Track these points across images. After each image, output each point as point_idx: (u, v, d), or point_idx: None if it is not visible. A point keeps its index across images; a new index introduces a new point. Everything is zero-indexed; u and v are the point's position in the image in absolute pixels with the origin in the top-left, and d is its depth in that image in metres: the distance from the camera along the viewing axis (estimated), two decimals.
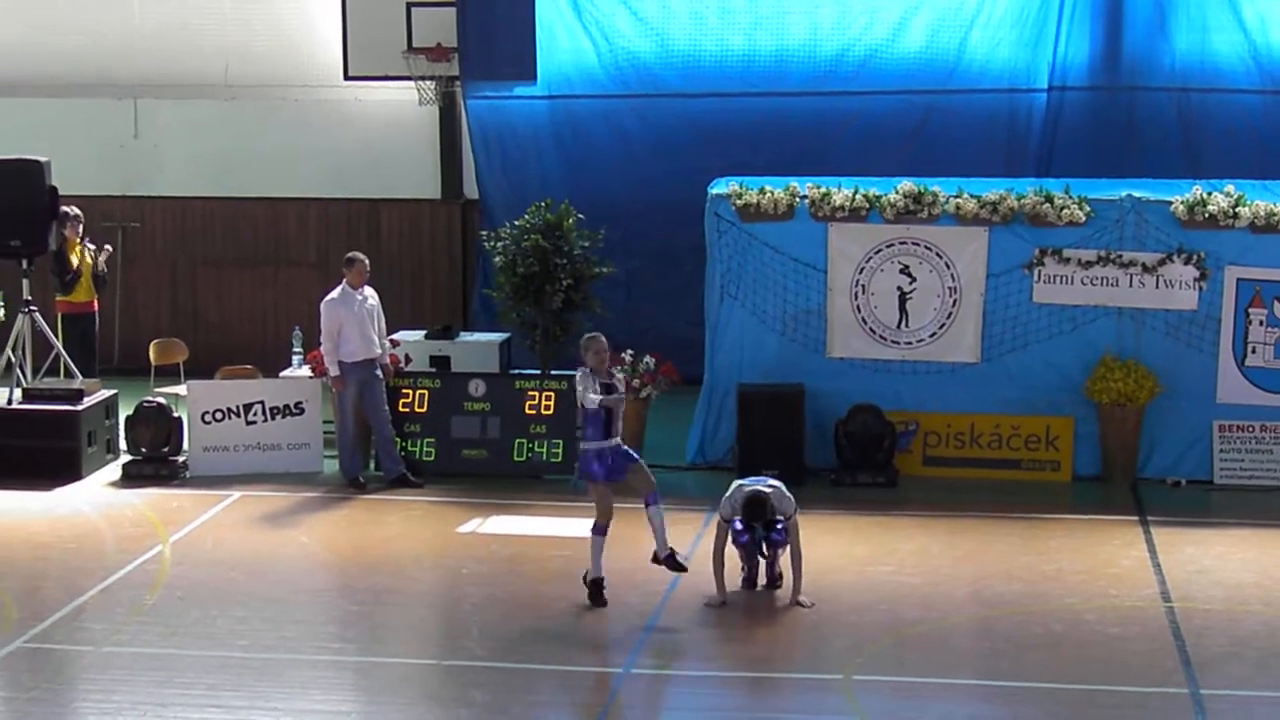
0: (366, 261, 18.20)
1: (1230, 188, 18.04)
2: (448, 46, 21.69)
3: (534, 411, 18.41)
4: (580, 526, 16.53)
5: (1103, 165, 20.48)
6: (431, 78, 21.94)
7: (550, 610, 14.43)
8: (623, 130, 22.04)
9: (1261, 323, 17.92)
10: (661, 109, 21.91)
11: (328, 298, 18.04)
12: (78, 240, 20.14)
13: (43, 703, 12.54)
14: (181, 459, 18.45)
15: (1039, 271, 18.11)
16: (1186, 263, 17.88)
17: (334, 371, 17.92)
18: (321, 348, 18.08)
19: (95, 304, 20.37)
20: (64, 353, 19.34)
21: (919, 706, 12.74)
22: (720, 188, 18.68)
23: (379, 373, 18.12)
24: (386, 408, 18.14)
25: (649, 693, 12.97)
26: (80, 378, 19.11)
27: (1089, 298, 18.06)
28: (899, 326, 18.38)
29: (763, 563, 14.69)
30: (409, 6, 21.75)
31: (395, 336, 19.43)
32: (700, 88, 21.79)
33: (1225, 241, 17.86)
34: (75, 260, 20.03)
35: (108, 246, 20.58)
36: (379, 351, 18.13)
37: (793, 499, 14.58)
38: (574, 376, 14.93)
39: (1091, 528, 16.67)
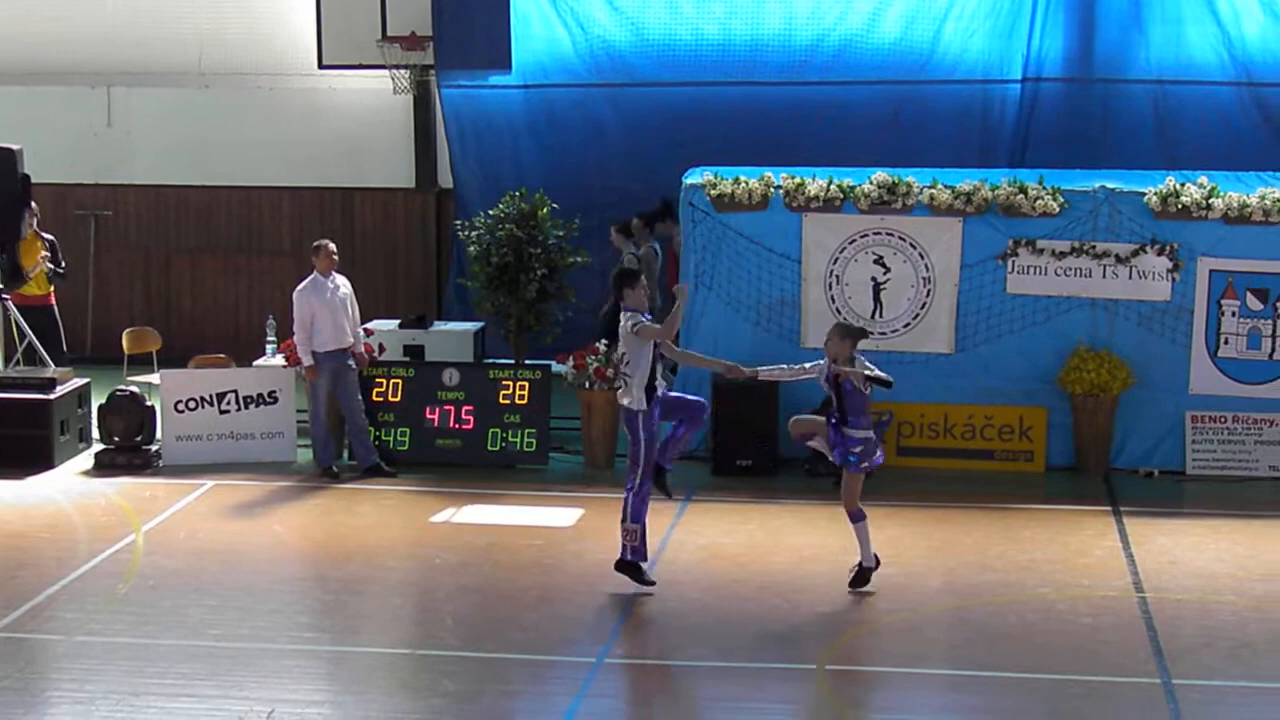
0: (332, 246, 18.14)
1: (1203, 179, 18.08)
2: (422, 35, 21.64)
3: (508, 401, 18.40)
4: (553, 516, 16.60)
5: (1077, 156, 20.50)
6: (406, 66, 21.89)
7: (523, 600, 14.43)
8: (597, 119, 22.02)
9: (1234, 314, 17.98)
10: (636, 98, 21.89)
11: (299, 288, 18.01)
12: (33, 235, 19.86)
13: (15, 691, 12.50)
14: (154, 448, 18.40)
15: (1013, 262, 18.14)
16: (1160, 254, 17.93)
17: (307, 361, 17.89)
18: (295, 338, 18.05)
19: (51, 298, 20.17)
20: (35, 341, 19.24)
21: (892, 696, 12.78)
22: (695, 177, 18.69)
23: (352, 362, 18.09)
24: (359, 397, 18.11)
25: (622, 682, 12.97)
26: (53, 366, 19.04)
27: (1062, 288, 18.11)
28: (873, 317, 18.39)
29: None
30: None
31: (369, 326, 19.39)
32: (675, 77, 21.76)
33: (1198, 232, 17.91)
34: (26, 259, 19.72)
35: (49, 237, 20.26)
36: (351, 341, 18.10)
37: None
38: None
39: (1064, 518, 16.72)
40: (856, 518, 14.41)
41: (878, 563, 14.57)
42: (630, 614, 14.09)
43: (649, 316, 14.50)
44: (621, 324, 14.38)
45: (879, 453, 14.48)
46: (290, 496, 17.42)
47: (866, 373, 14.20)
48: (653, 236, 20.40)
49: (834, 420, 14.33)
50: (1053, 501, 17.29)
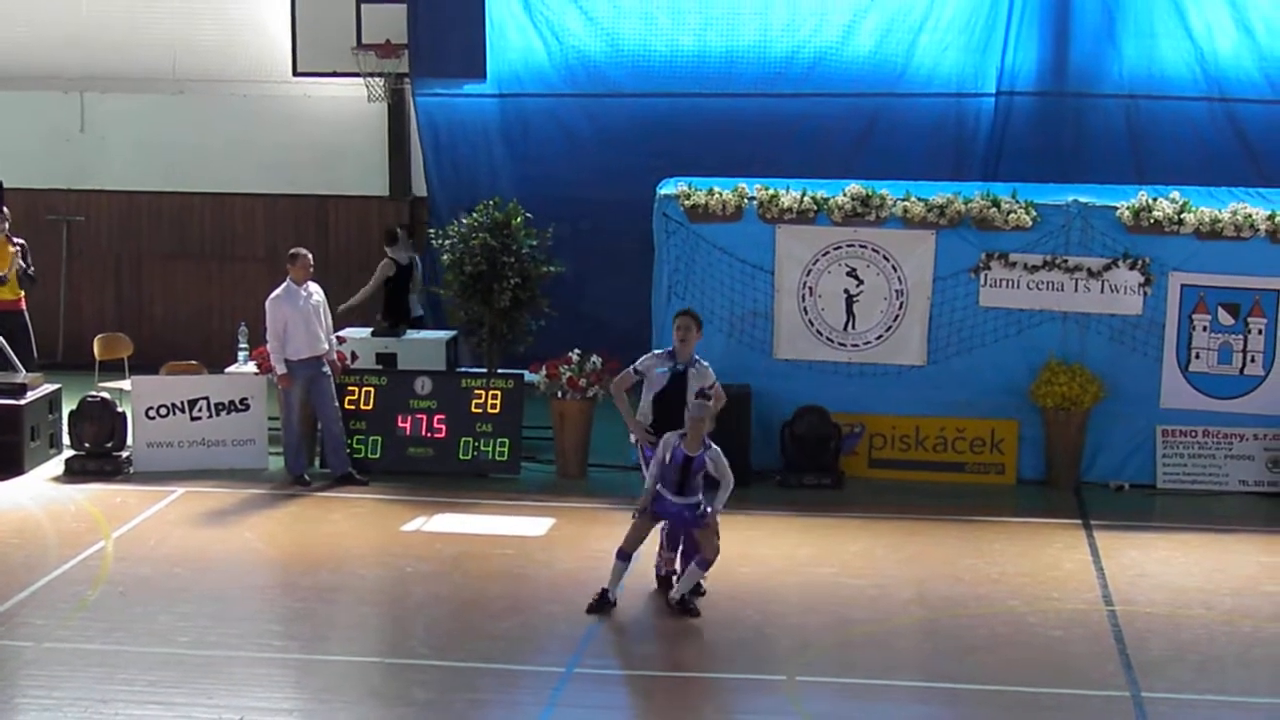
0: (310, 256, 18.13)
1: (1176, 194, 18.14)
2: (397, 43, 21.64)
3: (480, 410, 18.39)
4: (525, 525, 16.58)
5: (1050, 170, 20.58)
6: (381, 74, 21.89)
7: (494, 609, 14.42)
8: (572, 129, 22.03)
9: (1205, 328, 18.03)
10: (611, 108, 21.92)
11: (272, 295, 17.98)
12: (3, 239, 19.85)
13: None
14: (125, 454, 18.35)
15: (985, 275, 18.18)
16: (1131, 268, 17.98)
17: (280, 370, 17.85)
18: (268, 345, 18.01)
19: (23, 302, 20.12)
20: (6, 346, 19.16)
21: (862, 707, 12.78)
22: (669, 188, 18.70)
23: (326, 369, 18.06)
24: (336, 404, 18.08)
25: (591, 692, 12.95)
26: (23, 371, 18.98)
27: (1035, 302, 18.14)
28: (846, 329, 18.42)
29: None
30: (358, 3, 21.69)
31: (342, 334, 19.37)
32: (650, 88, 21.79)
33: (1170, 247, 17.96)
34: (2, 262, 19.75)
35: (20, 242, 20.23)
36: (325, 348, 18.08)
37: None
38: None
39: (1035, 531, 16.75)
40: (624, 556, 14.25)
41: (613, 604, 14.30)
42: (600, 624, 14.08)
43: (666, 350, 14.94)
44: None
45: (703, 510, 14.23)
46: (261, 504, 17.38)
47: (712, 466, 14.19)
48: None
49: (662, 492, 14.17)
50: (1023, 514, 17.32)
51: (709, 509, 14.16)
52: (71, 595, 14.59)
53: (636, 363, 15.06)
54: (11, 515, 16.92)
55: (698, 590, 14.47)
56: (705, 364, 14.96)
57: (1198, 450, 18.06)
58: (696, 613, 14.18)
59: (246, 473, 18.29)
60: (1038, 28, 21.30)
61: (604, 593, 14.28)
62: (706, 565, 14.25)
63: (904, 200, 18.26)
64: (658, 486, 14.12)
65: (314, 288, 18.09)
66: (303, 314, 17.84)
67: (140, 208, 23.28)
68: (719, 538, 14.29)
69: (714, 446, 14.17)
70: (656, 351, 15.19)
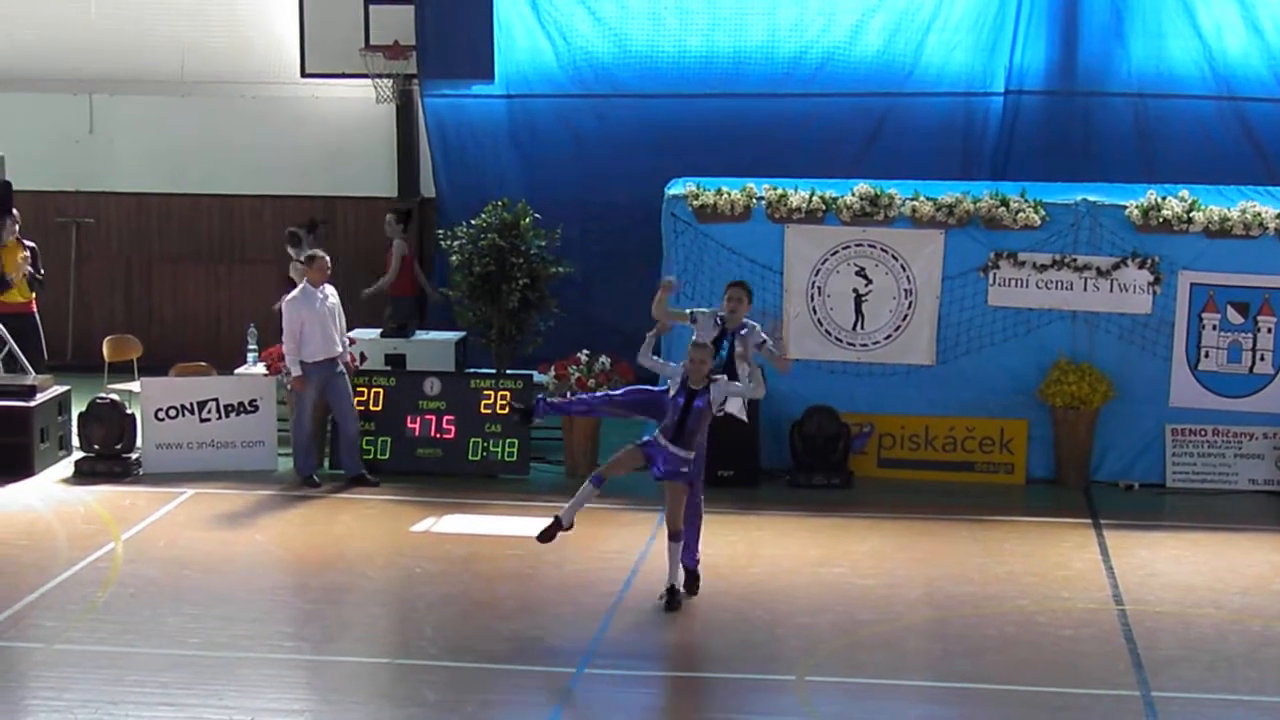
0: (327, 259, 18.17)
1: (1185, 193, 18.13)
2: (405, 44, 21.65)
3: (489, 411, 18.40)
4: (535, 526, 16.56)
5: (1058, 169, 20.55)
6: (389, 76, 21.89)
7: (504, 610, 14.43)
8: (580, 130, 22.03)
9: (1214, 327, 18.02)
10: (619, 109, 21.91)
11: (289, 297, 17.99)
12: (15, 242, 19.88)
13: None
14: (135, 456, 18.37)
15: (994, 274, 18.18)
16: (1141, 267, 17.97)
17: (296, 371, 17.85)
18: (283, 347, 18.02)
19: (33, 305, 20.13)
20: (15, 348, 19.18)
21: (872, 707, 12.78)
22: (677, 188, 18.71)
23: (341, 370, 18.07)
24: (353, 404, 18.09)
25: (601, 693, 12.96)
26: (33, 373, 19.00)
27: (1044, 301, 18.14)
28: (854, 328, 18.42)
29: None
30: (366, 4, 21.69)
31: (351, 335, 19.38)
32: (658, 88, 21.79)
33: (1179, 246, 17.96)
34: (7, 266, 19.72)
35: (30, 244, 20.26)
36: (340, 350, 18.09)
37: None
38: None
39: (1044, 530, 16.74)
40: (597, 481, 14.35)
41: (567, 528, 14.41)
42: (610, 624, 14.08)
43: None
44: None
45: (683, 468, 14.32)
46: (271, 505, 17.40)
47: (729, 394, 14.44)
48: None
49: (656, 438, 14.25)
50: (1033, 514, 17.32)
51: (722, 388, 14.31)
52: (81, 597, 14.61)
53: (694, 309, 15.67)
54: (21, 517, 16.95)
55: (693, 585, 14.50)
56: (754, 324, 15.47)
57: (1207, 449, 18.05)
58: (675, 606, 14.23)
59: (256, 474, 18.31)
60: (1046, 27, 21.27)
61: (556, 520, 14.31)
62: (677, 538, 14.26)
63: (912, 200, 18.26)
64: (656, 434, 14.23)
65: (330, 290, 18.11)
66: (319, 316, 17.85)
67: (149, 209, 23.31)
68: (683, 513, 14.27)
69: (719, 378, 14.32)
70: (710, 309, 15.60)
